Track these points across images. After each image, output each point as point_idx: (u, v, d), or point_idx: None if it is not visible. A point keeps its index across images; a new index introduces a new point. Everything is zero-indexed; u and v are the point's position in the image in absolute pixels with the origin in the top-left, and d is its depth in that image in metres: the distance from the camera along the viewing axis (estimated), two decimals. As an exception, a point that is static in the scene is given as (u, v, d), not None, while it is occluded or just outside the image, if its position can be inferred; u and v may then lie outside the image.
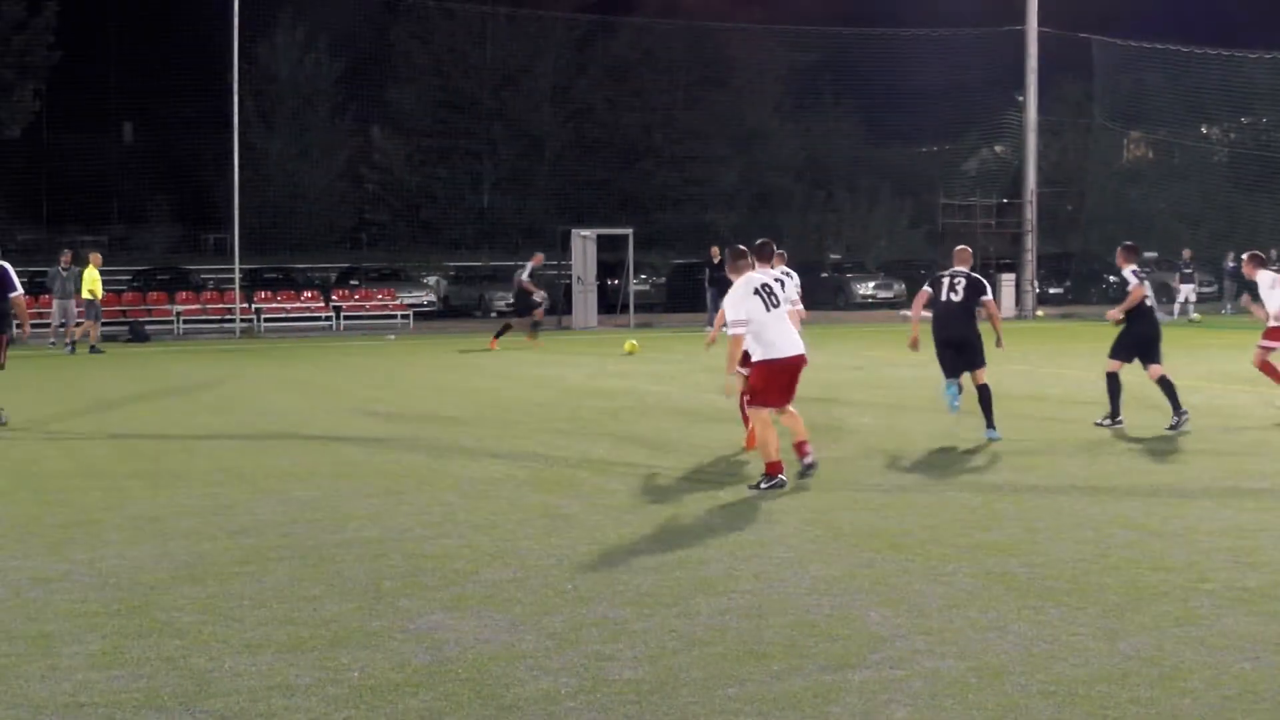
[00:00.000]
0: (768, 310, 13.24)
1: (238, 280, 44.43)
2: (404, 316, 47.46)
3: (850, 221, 64.11)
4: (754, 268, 13.76)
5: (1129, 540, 10.77)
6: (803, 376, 13.75)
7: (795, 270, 18.45)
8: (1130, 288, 18.01)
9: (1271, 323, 19.82)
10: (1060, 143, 66.52)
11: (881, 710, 6.88)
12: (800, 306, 17.31)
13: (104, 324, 37.36)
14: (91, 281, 35.01)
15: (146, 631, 8.33)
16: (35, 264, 46.53)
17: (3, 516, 12.05)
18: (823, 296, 48.92)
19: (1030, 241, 52.05)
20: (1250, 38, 62.55)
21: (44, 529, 11.44)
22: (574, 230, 45.78)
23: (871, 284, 55.18)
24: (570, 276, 45.77)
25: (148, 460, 15.66)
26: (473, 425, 18.82)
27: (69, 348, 34.90)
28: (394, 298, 49.06)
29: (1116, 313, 18.46)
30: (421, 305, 50.04)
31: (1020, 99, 54.94)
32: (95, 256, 35.99)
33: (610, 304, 48.08)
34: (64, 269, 36.47)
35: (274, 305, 46.97)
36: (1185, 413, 17.66)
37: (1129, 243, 19.26)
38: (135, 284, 49.36)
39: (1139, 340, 18.13)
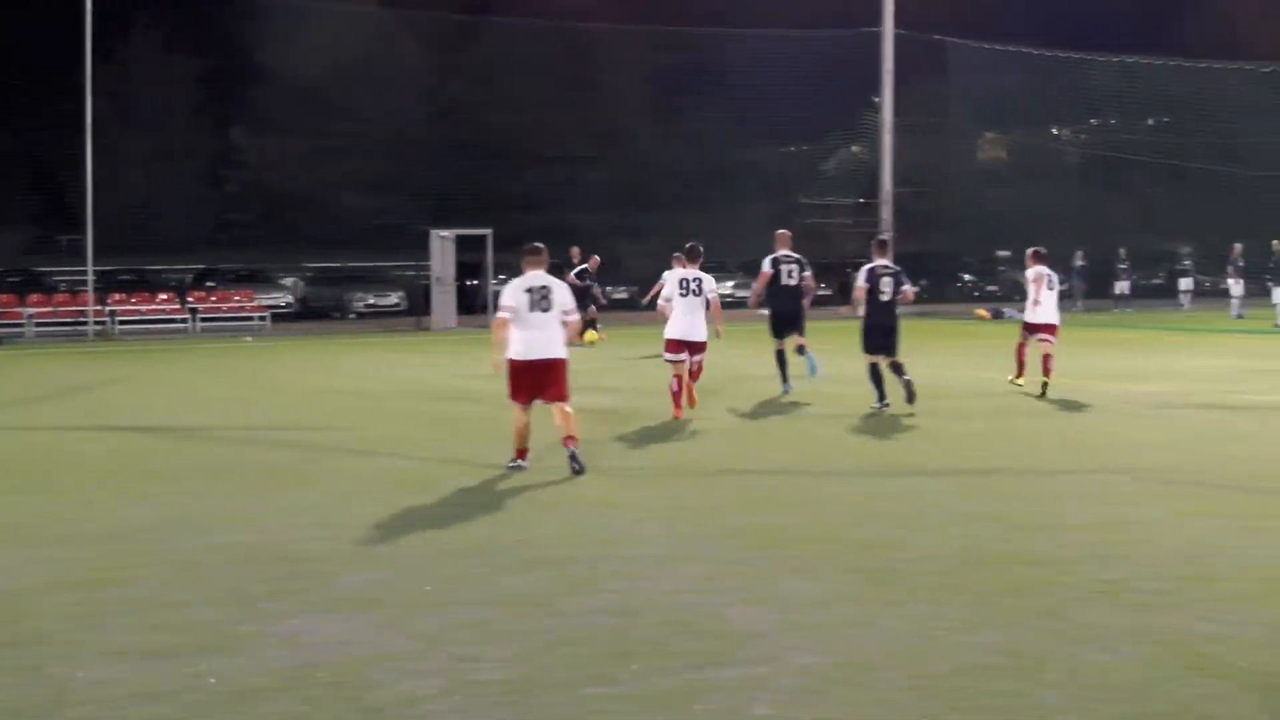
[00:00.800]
0: (530, 310, 14.03)
1: (91, 282, 43.63)
2: (261, 318, 46.92)
3: (713, 221, 64.32)
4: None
5: (995, 535, 10.90)
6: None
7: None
8: (857, 284, 19.67)
9: (1042, 319, 21.73)
10: (917, 143, 67.21)
11: (748, 707, 6.89)
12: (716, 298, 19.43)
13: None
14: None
15: (11, 641, 8.15)
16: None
17: None
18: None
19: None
20: (1099, 42, 63.71)
21: (-107, 536, 11.17)
22: (433, 231, 45.53)
23: (731, 283, 55.36)
24: (429, 277, 45.53)
25: (10, 466, 15.34)
26: (337, 427, 18.66)
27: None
28: (251, 299, 48.48)
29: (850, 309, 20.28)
30: (280, 307, 49.53)
31: (877, 100, 55.45)
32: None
33: (470, 305, 47.87)
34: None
35: (129, 307, 46.18)
36: (887, 402, 19.23)
37: (883, 237, 21.04)
38: (-15, 286, 48.35)
39: (869, 330, 19.62)
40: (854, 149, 66.72)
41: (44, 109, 50.51)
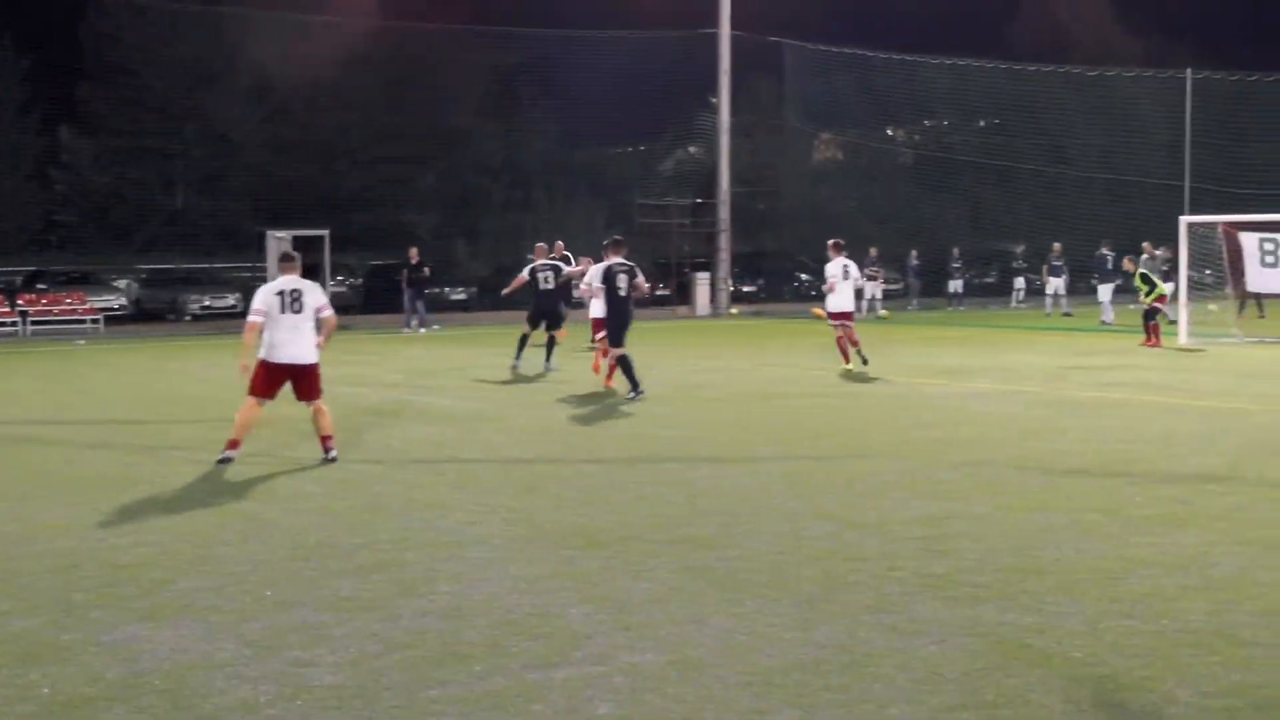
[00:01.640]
0: (282, 312, 14.78)
1: (-90, 286, 42.56)
2: (94, 321, 46.10)
3: (548, 222, 64.30)
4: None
5: (824, 532, 11.04)
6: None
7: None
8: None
9: (839, 307, 24.98)
10: (753, 144, 67.73)
11: (584, 707, 6.94)
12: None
13: None
14: None
15: None
16: None
17: None
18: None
19: (724, 241, 52.96)
20: (931, 44, 64.72)
21: None
22: (269, 232, 45.05)
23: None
24: (265, 278, 45.01)
25: None
26: (168, 430, 18.41)
27: None
28: (84, 302, 47.59)
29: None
30: (113, 309, 48.66)
31: (714, 101, 55.82)
32: None
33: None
34: None
35: (-45, 311, 45.19)
36: (642, 392, 20.60)
37: (617, 237, 22.31)
38: None
39: (612, 325, 21.31)
40: (691, 149, 67.05)
41: None
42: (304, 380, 15.05)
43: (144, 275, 55.81)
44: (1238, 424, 17.86)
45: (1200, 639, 7.98)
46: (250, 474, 14.41)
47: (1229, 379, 23.72)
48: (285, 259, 15.63)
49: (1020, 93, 64.25)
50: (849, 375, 23.38)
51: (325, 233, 45.79)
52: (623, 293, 21.13)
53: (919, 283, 54.89)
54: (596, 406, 20.43)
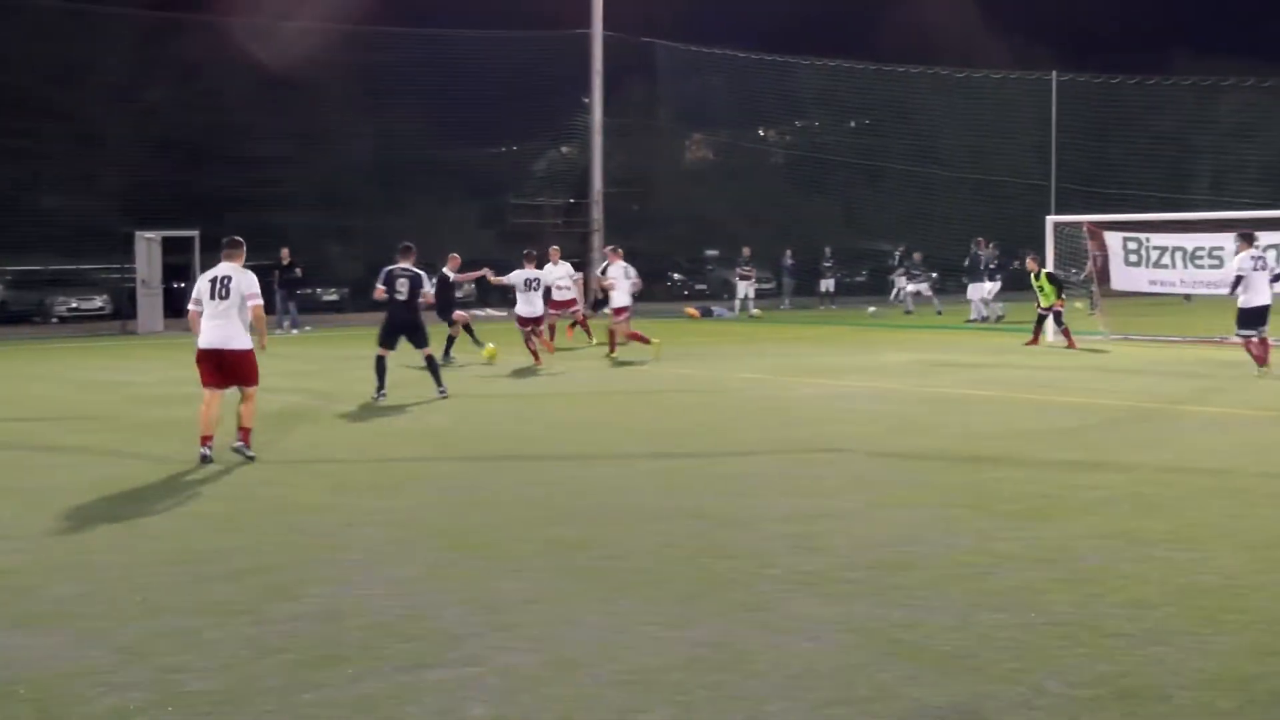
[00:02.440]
0: (211, 298, 15.20)
1: None
2: (-43, 325, 45.26)
3: (420, 222, 63.98)
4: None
5: (698, 531, 11.10)
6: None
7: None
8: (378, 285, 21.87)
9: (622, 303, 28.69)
10: (626, 144, 67.83)
11: (459, 708, 6.94)
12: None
13: None
14: None
15: None
16: None
17: None
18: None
19: (598, 241, 52.95)
20: (802, 44, 65.12)
21: None
22: (138, 233, 44.45)
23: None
24: (135, 280, 44.43)
25: None
26: (37, 433, 18.14)
27: None
28: (-55, 305, 46.72)
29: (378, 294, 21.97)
30: (-24, 312, 47.83)
31: (587, 101, 55.82)
32: None
33: (178, 308, 46.73)
34: None
35: None
36: (384, 393, 21.01)
37: (407, 243, 22.87)
38: None
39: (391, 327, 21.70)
40: (564, 150, 66.99)
41: None
42: (230, 365, 15.19)
43: (9, 277, 54.83)
44: (1102, 419, 18.17)
45: (1067, 631, 8.11)
46: (124, 478, 14.23)
47: (1095, 375, 24.11)
48: (230, 245, 15.84)
49: (890, 93, 64.84)
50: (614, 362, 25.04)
51: (195, 234, 45.23)
52: (401, 297, 21.48)
53: (792, 282, 55.26)
54: (472, 407, 20.39)
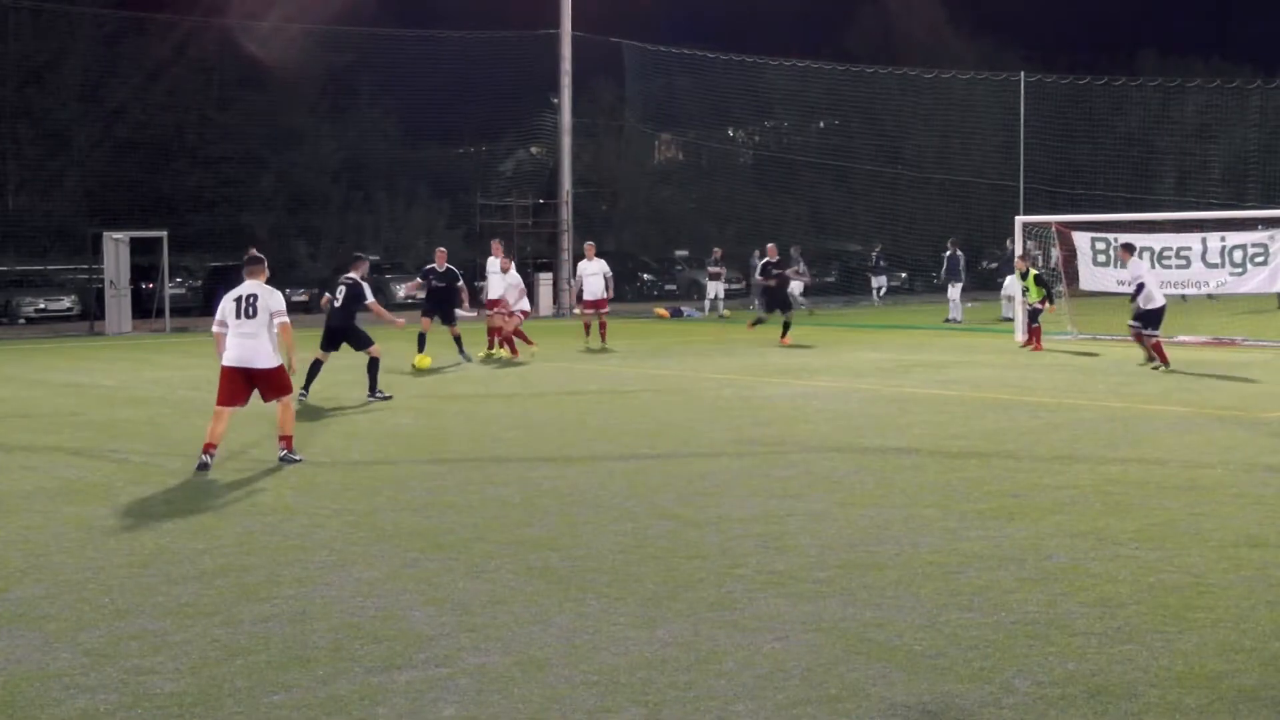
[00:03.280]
0: (237, 318, 15.00)
1: None
2: (-78, 325, 44.99)
3: (388, 223, 63.97)
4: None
5: (666, 531, 11.11)
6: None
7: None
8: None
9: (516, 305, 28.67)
10: (594, 144, 67.91)
11: (429, 709, 6.93)
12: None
13: None
14: None
15: None
16: None
17: None
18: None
19: (566, 241, 52.93)
20: (770, 45, 65.26)
21: None
22: (106, 233, 44.26)
23: (410, 284, 54.94)
24: (103, 280, 44.23)
25: None
26: (3, 434, 18.03)
27: None
28: (-90, 305, 46.46)
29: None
30: (-60, 312, 47.55)
31: (555, 101, 55.76)
32: None
33: (146, 308, 46.61)
34: None
35: None
36: (382, 395, 21.31)
37: (361, 255, 23.84)
38: None
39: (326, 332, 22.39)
40: (532, 150, 67.03)
41: None
42: (262, 383, 15.07)
43: (-27, 278, 54.56)
44: (1070, 419, 18.23)
45: (1036, 630, 8.14)
46: (90, 479, 14.18)
47: (1064, 375, 24.19)
48: (251, 262, 15.68)
49: (858, 94, 64.99)
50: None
51: (163, 234, 45.08)
52: (336, 304, 22.10)
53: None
54: (437, 408, 20.36)
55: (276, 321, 15.12)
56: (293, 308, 48.22)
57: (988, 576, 9.44)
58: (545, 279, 51.78)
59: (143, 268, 46.31)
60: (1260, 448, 15.48)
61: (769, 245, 34.92)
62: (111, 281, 43.68)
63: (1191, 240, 31.83)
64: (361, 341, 21.78)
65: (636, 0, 65.59)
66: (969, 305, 48.21)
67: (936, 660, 7.60)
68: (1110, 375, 24.13)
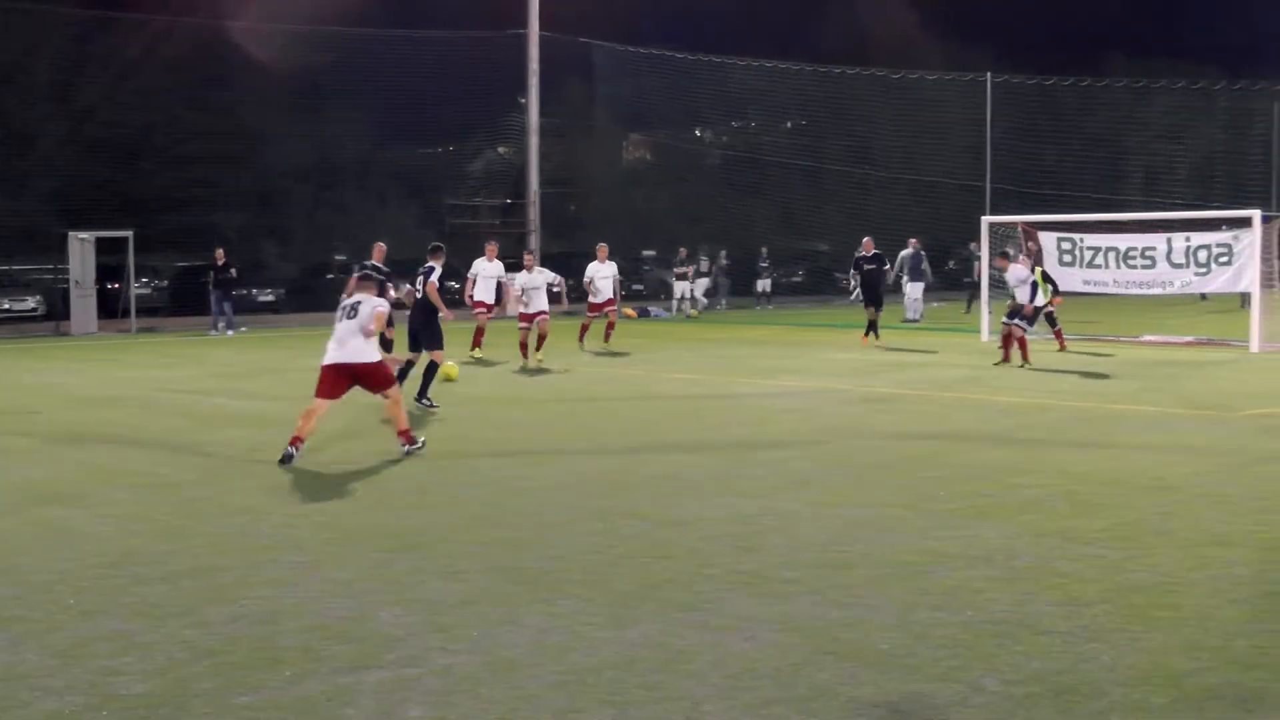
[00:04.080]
0: (338, 320, 15.82)
1: None
2: (-114, 325, 44.71)
3: (358, 223, 63.80)
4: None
5: (636, 531, 11.12)
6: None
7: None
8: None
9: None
10: (563, 144, 67.87)
11: (397, 710, 6.92)
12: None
13: None
14: None
15: None
16: None
17: None
18: (329, 299, 48.37)
19: (535, 241, 52.89)
20: (739, 45, 65.31)
21: None
22: (71, 233, 44.08)
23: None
24: (68, 280, 44.04)
25: None
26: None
27: None
28: (-124, 305, 46.18)
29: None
30: (-93, 313, 47.31)
31: (523, 101, 55.75)
32: None
33: (112, 309, 46.43)
34: None
35: None
36: (430, 404, 20.36)
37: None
38: None
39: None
40: (501, 150, 66.90)
41: None
42: (365, 378, 15.74)
43: (-62, 277, 54.26)
44: (1038, 419, 18.31)
45: (1005, 629, 8.17)
46: (56, 480, 14.13)
47: (1031, 375, 24.27)
48: (363, 278, 17.31)
49: (827, 94, 65.10)
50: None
51: (129, 234, 44.92)
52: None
53: (728, 282, 55.34)
54: (408, 409, 20.32)
55: (376, 310, 15.73)
56: (260, 308, 48.19)
57: (957, 576, 9.47)
58: (513, 279, 51.64)
59: (110, 268, 46.13)
60: (1227, 447, 15.56)
61: (865, 239, 34.70)
62: (77, 281, 43.49)
63: (1157, 240, 31.98)
64: (432, 341, 21.13)
65: (605, 0, 65.48)
66: (934, 305, 48.36)
67: (905, 660, 7.62)
68: (1077, 375, 24.22)
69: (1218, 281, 31.25)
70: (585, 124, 68.09)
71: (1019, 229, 35.91)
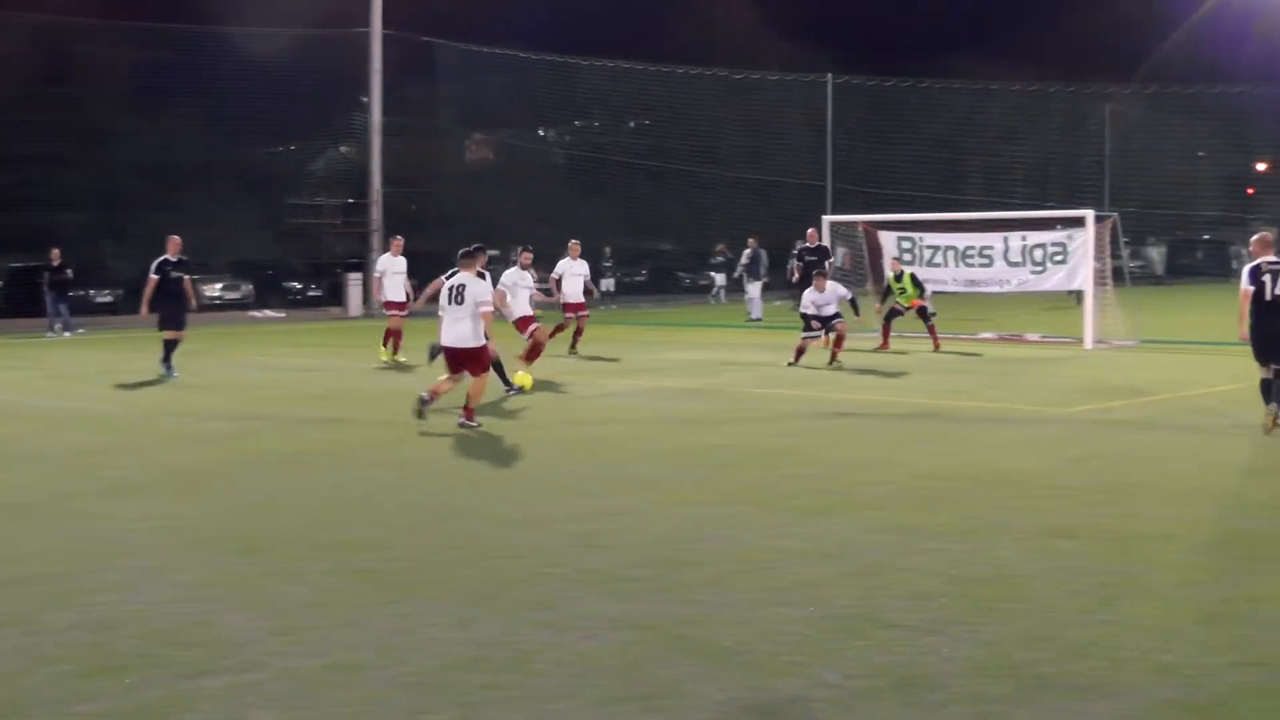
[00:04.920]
0: (449, 304, 17.74)
1: None
2: None
3: (198, 223, 62.95)
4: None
5: (483, 531, 11.10)
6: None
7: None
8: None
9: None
10: (406, 144, 67.45)
11: (241, 714, 6.86)
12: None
13: None
14: None
15: None
16: None
17: None
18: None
19: (377, 241, 52.46)
20: (582, 45, 65.32)
21: None
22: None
23: (219, 285, 54.21)
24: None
25: None
26: None
27: None
28: None
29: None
30: None
31: (366, 100, 55.35)
32: None
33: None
34: None
35: None
36: (513, 388, 21.16)
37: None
38: None
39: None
40: (343, 149, 66.42)
41: None
42: (465, 360, 17.71)
43: None
44: (883, 416, 18.55)
45: (848, 624, 8.27)
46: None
47: (874, 374, 24.53)
48: (465, 255, 18.18)
49: (670, 94, 65.40)
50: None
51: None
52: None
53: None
54: (250, 411, 20.10)
55: (481, 310, 17.62)
56: (97, 309, 47.31)
57: (803, 572, 9.56)
58: (355, 279, 51.30)
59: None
60: (1064, 441, 15.87)
61: (809, 230, 33.98)
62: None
63: (994, 240, 32.52)
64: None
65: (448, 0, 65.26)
66: (776, 304, 48.76)
67: (749, 656, 7.68)
68: (921, 373, 24.53)
69: (1053, 280, 31.85)
70: (428, 123, 67.80)
71: (859, 228, 36.34)
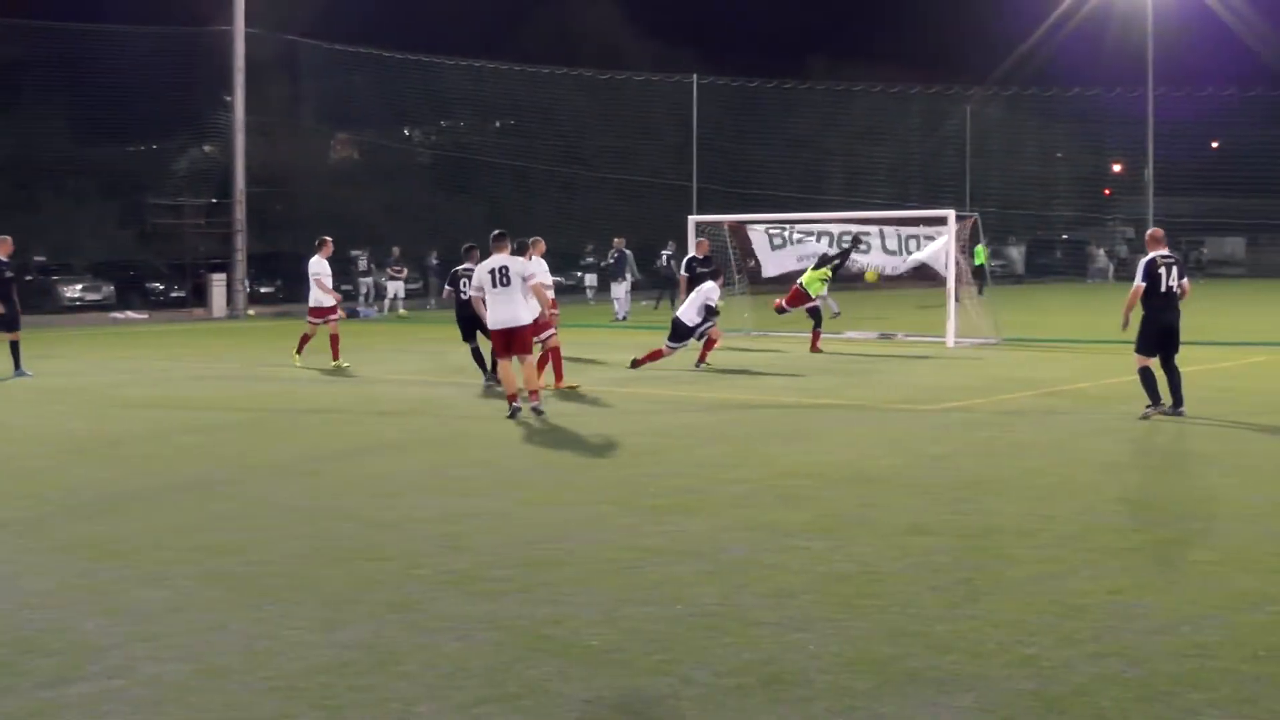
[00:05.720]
0: (494, 287, 18.06)
1: None
2: None
3: (55, 222, 61.92)
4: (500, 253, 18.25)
5: (347, 533, 11.04)
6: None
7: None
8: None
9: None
10: (269, 143, 66.85)
11: (102, 721, 6.78)
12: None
13: None
14: None
15: None
16: None
17: None
18: (30, 300, 46.92)
19: (240, 241, 51.99)
20: (447, 45, 65.15)
21: None
22: None
23: (80, 286, 53.40)
24: None
25: None
26: None
27: None
28: None
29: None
30: None
31: (228, 99, 54.77)
32: None
33: None
34: None
35: None
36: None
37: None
38: None
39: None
40: (206, 148, 65.67)
41: None
42: (516, 339, 18.20)
43: None
44: (745, 415, 18.67)
45: (713, 622, 8.31)
46: None
47: (740, 374, 24.65)
48: (496, 238, 18.43)
49: (535, 94, 65.40)
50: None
51: None
52: (464, 296, 22.24)
53: (439, 282, 55.11)
54: (107, 414, 19.83)
55: (530, 284, 18.34)
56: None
57: (666, 571, 9.61)
58: (219, 280, 50.74)
59: None
60: (925, 439, 16.06)
61: (700, 240, 32.29)
62: None
63: (871, 228, 32.95)
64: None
65: (311, -2, 64.84)
66: (644, 304, 48.92)
67: (615, 655, 7.71)
68: (785, 371, 24.71)
69: (925, 254, 32.06)
70: (292, 122, 67.24)
71: (725, 227, 36.55)
